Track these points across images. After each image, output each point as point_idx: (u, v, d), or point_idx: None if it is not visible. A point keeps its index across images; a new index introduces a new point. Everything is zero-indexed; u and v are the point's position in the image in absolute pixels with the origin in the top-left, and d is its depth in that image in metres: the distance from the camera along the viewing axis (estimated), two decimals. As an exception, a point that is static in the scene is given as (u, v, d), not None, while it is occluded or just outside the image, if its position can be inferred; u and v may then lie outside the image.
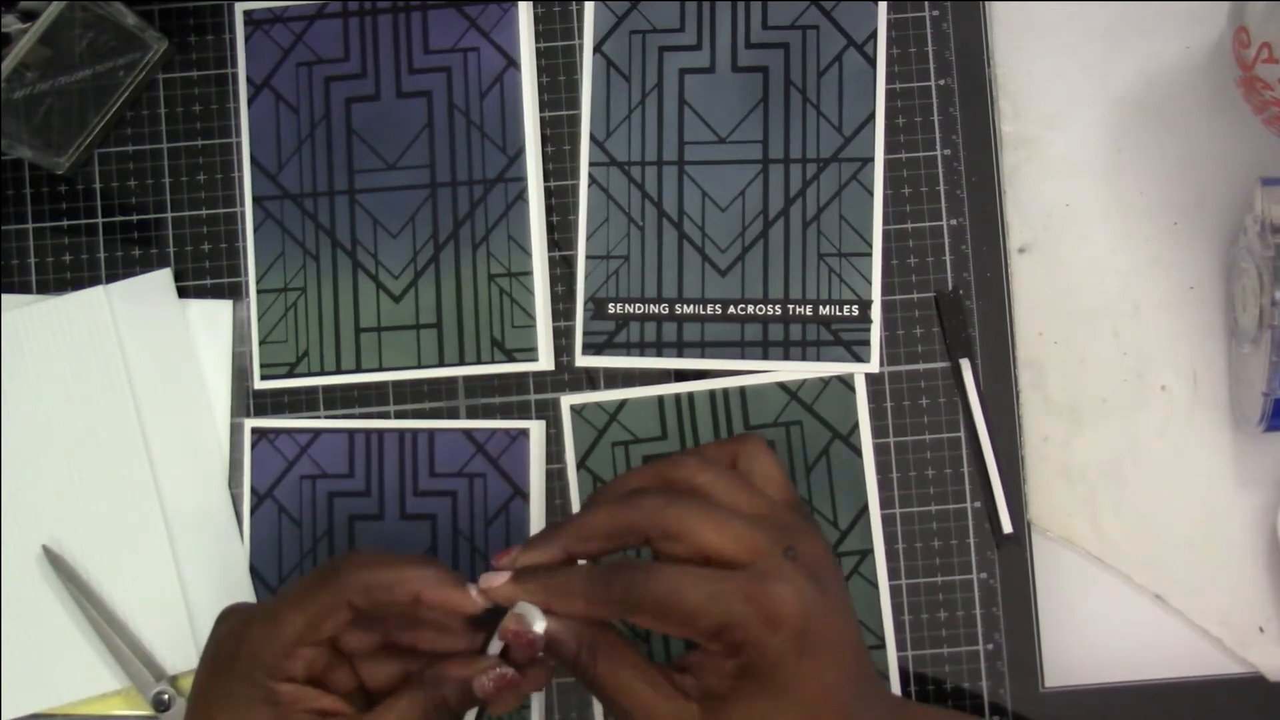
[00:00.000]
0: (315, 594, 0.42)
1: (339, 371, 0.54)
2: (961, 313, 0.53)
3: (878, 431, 0.52)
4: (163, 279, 0.54)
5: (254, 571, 0.53)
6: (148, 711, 0.52)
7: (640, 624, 0.40)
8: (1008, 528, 0.51)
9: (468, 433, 0.53)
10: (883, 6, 0.53)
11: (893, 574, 0.52)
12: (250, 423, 0.53)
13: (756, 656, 0.39)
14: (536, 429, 0.53)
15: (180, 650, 0.52)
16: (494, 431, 0.53)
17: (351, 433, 0.53)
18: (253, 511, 0.53)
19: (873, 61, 0.53)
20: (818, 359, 0.52)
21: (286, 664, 0.41)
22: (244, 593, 0.53)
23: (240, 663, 0.42)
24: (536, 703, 0.52)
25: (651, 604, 0.39)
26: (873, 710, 0.41)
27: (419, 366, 0.53)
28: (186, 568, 0.53)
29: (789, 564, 0.40)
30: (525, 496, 0.52)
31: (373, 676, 0.44)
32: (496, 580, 0.41)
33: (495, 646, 0.41)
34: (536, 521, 0.53)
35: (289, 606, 0.42)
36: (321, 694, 0.42)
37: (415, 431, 0.53)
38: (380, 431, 0.53)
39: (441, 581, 0.41)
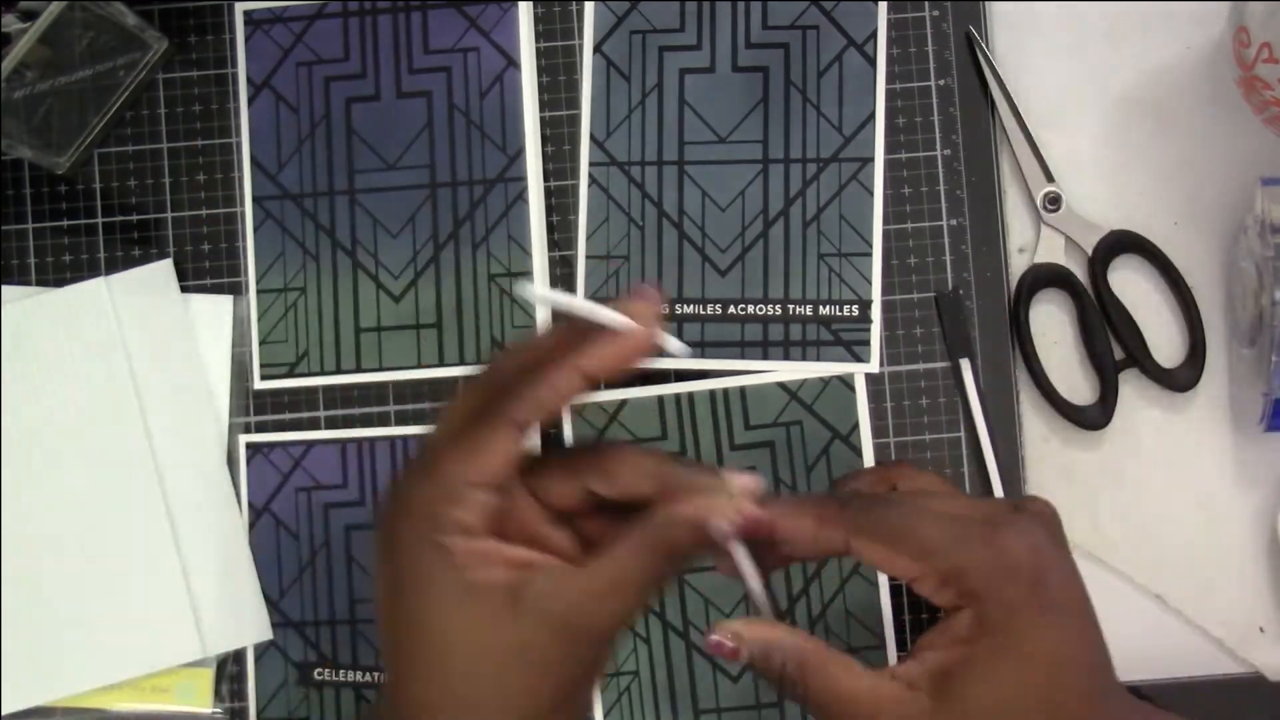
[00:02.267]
0: (471, 420, 0.36)
1: (339, 371, 0.54)
2: (961, 312, 0.53)
3: (878, 431, 0.52)
4: (164, 270, 0.54)
5: (254, 573, 0.53)
6: (150, 705, 0.52)
7: (866, 556, 0.37)
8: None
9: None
10: (883, 6, 0.53)
11: (893, 574, 0.52)
12: (245, 438, 0.53)
13: (992, 608, 0.35)
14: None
15: (183, 641, 0.52)
16: None
17: (344, 443, 0.53)
18: (251, 526, 0.53)
19: (873, 61, 0.53)
20: (818, 359, 0.52)
21: (456, 513, 0.35)
22: (247, 578, 0.53)
23: (404, 526, 0.35)
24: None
25: (886, 530, 0.37)
26: (1122, 698, 0.38)
27: (419, 366, 0.53)
28: (189, 555, 0.53)
29: (1023, 514, 0.37)
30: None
31: (595, 532, 0.38)
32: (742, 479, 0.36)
33: (734, 484, 0.36)
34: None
35: (443, 442, 0.36)
36: (508, 545, 0.36)
37: (406, 438, 0.53)
38: (372, 440, 0.53)
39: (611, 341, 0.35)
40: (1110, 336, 0.52)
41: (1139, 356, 0.52)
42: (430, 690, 0.35)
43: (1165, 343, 0.53)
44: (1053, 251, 0.53)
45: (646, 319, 0.36)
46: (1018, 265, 0.54)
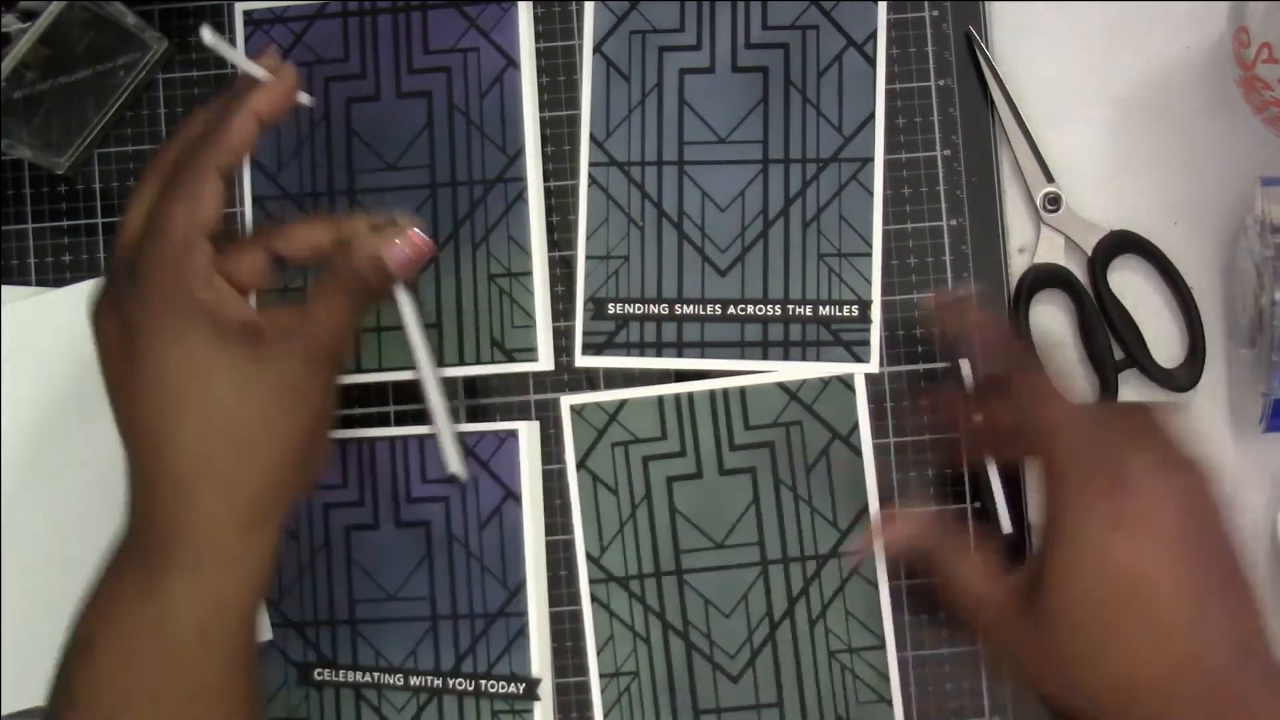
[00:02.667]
0: (180, 176, 0.39)
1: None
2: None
3: (878, 431, 0.52)
4: (163, 278, 0.54)
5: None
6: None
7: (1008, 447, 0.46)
8: (1007, 528, 0.51)
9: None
10: (883, 6, 0.53)
11: (893, 574, 0.52)
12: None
13: (1090, 510, 0.39)
14: (525, 430, 0.53)
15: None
16: (483, 434, 0.53)
17: (343, 443, 0.53)
18: None
19: (873, 61, 0.53)
20: (818, 359, 0.52)
21: (196, 261, 0.38)
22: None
23: (148, 285, 0.38)
24: (540, 708, 0.52)
25: (1035, 429, 0.42)
26: (1236, 648, 0.39)
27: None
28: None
29: (1158, 436, 0.41)
30: (517, 498, 0.52)
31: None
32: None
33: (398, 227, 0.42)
34: (530, 523, 0.53)
35: (162, 202, 0.39)
36: (244, 303, 0.40)
37: (405, 438, 0.53)
38: (371, 440, 0.53)
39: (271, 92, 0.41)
40: (1110, 337, 0.52)
41: (1139, 357, 0.52)
42: (201, 441, 0.38)
43: (1165, 343, 0.53)
44: (1052, 252, 0.53)
45: (285, 74, 0.41)
46: (1018, 265, 0.54)
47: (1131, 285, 0.53)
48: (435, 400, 0.41)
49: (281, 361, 0.39)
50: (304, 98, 0.43)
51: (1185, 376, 0.52)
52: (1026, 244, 0.54)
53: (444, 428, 0.40)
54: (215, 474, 0.38)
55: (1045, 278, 0.53)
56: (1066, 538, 0.39)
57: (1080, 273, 0.53)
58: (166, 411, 0.38)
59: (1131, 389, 0.53)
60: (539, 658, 0.52)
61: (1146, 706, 0.38)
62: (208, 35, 0.40)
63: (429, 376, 0.41)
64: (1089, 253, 0.52)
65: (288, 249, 0.42)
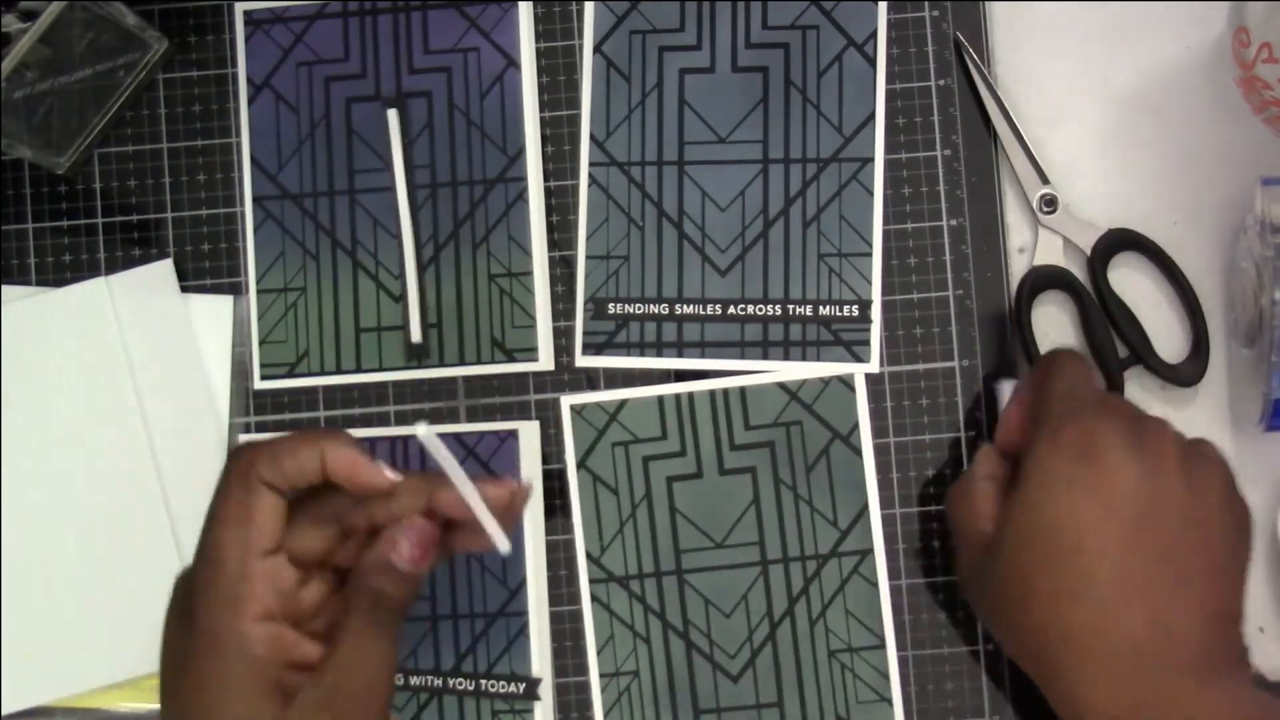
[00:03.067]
0: (229, 497, 0.38)
1: (339, 371, 0.54)
2: (958, 308, 0.53)
3: (878, 431, 0.52)
4: (164, 270, 0.54)
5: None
6: (150, 705, 0.52)
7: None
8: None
9: (458, 437, 0.53)
10: (883, 6, 0.53)
11: (893, 574, 0.52)
12: (245, 438, 0.53)
13: (1032, 458, 0.43)
14: (526, 430, 0.53)
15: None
16: (483, 434, 0.53)
17: None
18: None
19: (873, 61, 0.53)
20: (818, 359, 0.52)
21: (249, 591, 0.37)
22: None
23: (200, 618, 0.38)
24: (540, 707, 0.52)
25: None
26: (1192, 616, 0.41)
27: (419, 366, 0.53)
28: (188, 556, 0.52)
29: (1147, 425, 0.44)
30: None
31: (344, 559, 0.41)
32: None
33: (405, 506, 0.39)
34: (530, 522, 0.53)
35: (213, 528, 0.38)
36: (299, 638, 0.38)
37: (406, 438, 0.53)
38: (372, 440, 0.53)
39: (346, 445, 0.38)
40: (1113, 335, 0.52)
41: (1142, 353, 0.52)
42: None
43: (1167, 338, 0.53)
44: (1051, 253, 0.53)
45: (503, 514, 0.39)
46: (1018, 265, 0.54)
47: (1131, 282, 0.53)
48: (474, 503, 0.39)
49: None
50: (501, 543, 0.39)
51: (1190, 371, 0.52)
52: (1026, 244, 0.54)
53: (484, 516, 0.39)
54: None
55: (1045, 279, 0.53)
56: (1028, 483, 0.43)
57: (1080, 272, 0.53)
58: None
59: (1137, 386, 0.53)
60: (539, 657, 0.52)
61: (1054, 657, 0.41)
62: (422, 430, 0.37)
63: (464, 485, 0.39)
64: (1087, 252, 0.53)
65: (352, 519, 0.40)
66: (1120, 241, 0.52)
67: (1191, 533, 0.41)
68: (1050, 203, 0.53)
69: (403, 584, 0.38)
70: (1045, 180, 0.53)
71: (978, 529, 0.45)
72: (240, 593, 0.37)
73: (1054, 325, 0.53)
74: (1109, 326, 0.52)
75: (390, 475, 0.39)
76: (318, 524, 0.40)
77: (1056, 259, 0.53)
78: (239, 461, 0.39)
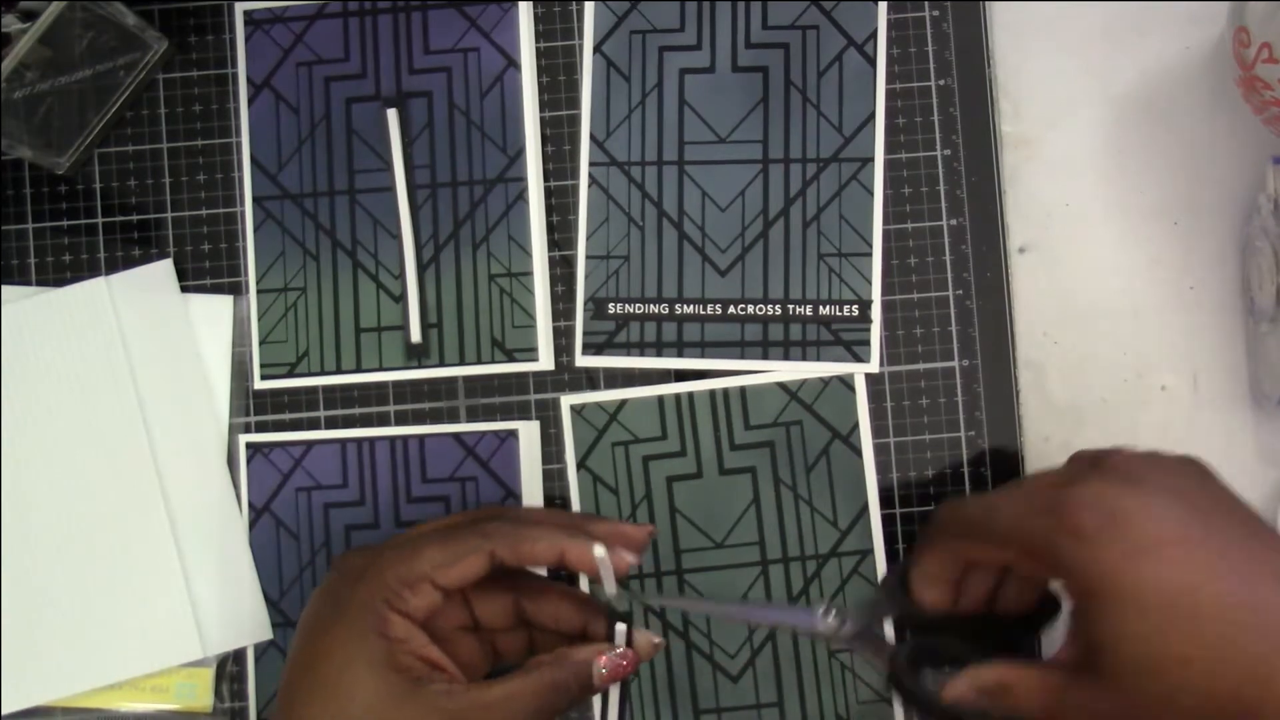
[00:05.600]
0: (459, 533, 0.42)
1: (339, 371, 0.54)
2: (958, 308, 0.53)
3: (878, 431, 0.52)
4: (164, 270, 0.54)
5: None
6: (150, 705, 0.52)
7: (974, 556, 0.41)
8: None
9: (458, 436, 0.53)
10: (883, 6, 0.53)
11: (893, 574, 0.52)
12: (245, 438, 0.53)
13: (1077, 575, 0.36)
14: (525, 430, 0.53)
15: (183, 641, 0.52)
16: (483, 434, 0.53)
17: (344, 442, 0.53)
18: (251, 526, 0.53)
19: (873, 61, 0.53)
20: (818, 359, 0.52)
21: (409, 595, 0.41)
22: (248, 578, 0.53)
23: (362, 586, 0.41)
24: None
25: (971, 525, 0.40)
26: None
27: (419, 366, 0.53)
28: (189, 555, 0.53)
29: (1095, 471, 0.38)
30: (517, 498, 0.52)
31: (507, 647, 0.45)
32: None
33: (620, 636, 0.43)
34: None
35: (429, 539, 0.41)
36: (431, 644, 0.41)
37: (406, 438, 0.53)
38: (372, 440, 0.53)
39: (582, 542, 0.42)
40: None
41: None
42: None
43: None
44: None
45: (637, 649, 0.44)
46: (1018, 265, 0.54)
47: None
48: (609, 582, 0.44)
49: (418, 716, 0.39)
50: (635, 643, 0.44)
51: None
52: (1026, 244, 0.54)
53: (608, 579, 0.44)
54: None
55: None
56: (1102, 595, 0.36)
57: None
58: (306, 689, 0.40)
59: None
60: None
61: (1250, 698, 0.35)
62: (599, 551, 0.42)
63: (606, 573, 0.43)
64: None
65: (534, 612, 0.45)
66: None
67: (1234, 505, 0.38)
68: None
69: (585, 691, 0.42)
70: None
71: (1054, 698, 0.38)
72: (398, 592, 0.41)
73: None
74: None
75: (610, 589, 0.43)
76: (501, 594, 0.45)
77: None
78: (487, 524, 0.42)
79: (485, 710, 0.40)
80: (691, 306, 0.53)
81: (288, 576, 0.53)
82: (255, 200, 0.54)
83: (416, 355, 0.53)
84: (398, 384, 0.54)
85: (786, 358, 0.52)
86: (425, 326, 0.53)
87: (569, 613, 0.45)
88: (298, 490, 0.53)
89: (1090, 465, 0.39)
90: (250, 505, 0.53)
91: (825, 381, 0.52)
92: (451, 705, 0.40)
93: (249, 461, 0.53)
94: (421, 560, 0.41)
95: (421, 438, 0.53)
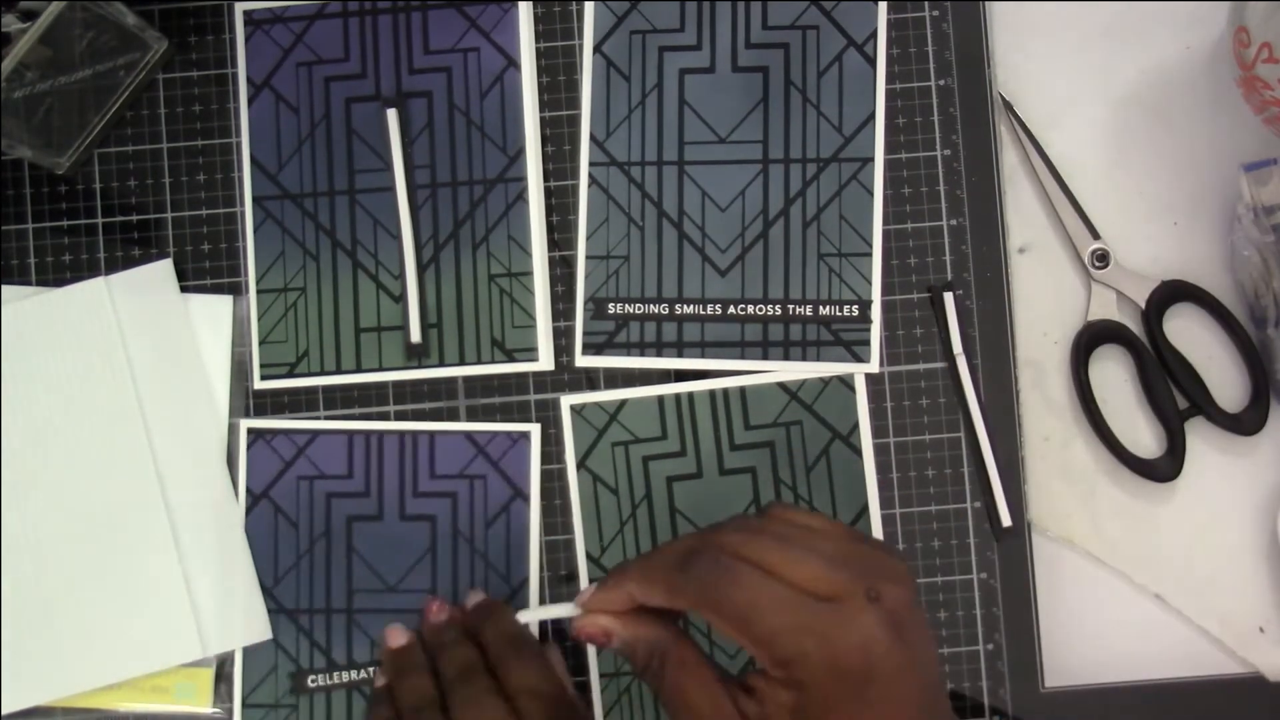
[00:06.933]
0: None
1: (339, 371, 0.54)
2: (959, 308, 0.53)
3: (878, 431, 0.52)
4: (164, 270, 0.54)
5: (254, 571, 0.53)
6: (150, 705, 0.52)
7: (710, 622, 0.39)
8: (1007, 522, 0.51)
9: (469, 435, 0.53)
10: (883, 6, 0.53)
11: (893, 574, 0.52)
12: (246, 423, 0.53)
13: (817, 699, 0.37)
14: (539, 432, 0.53)
15: (183, 641, 0.52)
16: (495, 434, 0.53)
17: (351, 434, 0.53)
18: (248, 512, 0.53)
19: (873, 61, 0.53)
20: (818, 359, 0.52)
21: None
22: (247, 582, 0.53)
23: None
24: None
25: (729, 610, 0.38)
26: None
27: (419, 366, 0.53)
28: (189, 555, 0.53)
29: (871, 609, 0.38)
30: (526, 498, 0.52)
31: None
32: (586, 594, 0.43)
33: (524, 616, 0.48)
34: (537, 522, 0.53)
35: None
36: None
37: (415, 433, 0.53)
38: (380, 433, 0.53)
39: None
40: (1171, 387, 0.52)
41: (1202, 404, 0.52)
42: None
43: (1226, 388, 0.53)
44: (1105, 308, 0.53)
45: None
46: (1018, 265, 0.54)
47: (1187, 333, 0.53)
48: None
49: None
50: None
51: (1251, 419, 0.52)
52: (1026, 243, 0.54)
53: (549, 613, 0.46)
54: None
55: (1100, 335, 0.53)
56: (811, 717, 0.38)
57: (1135, 325, 0.53)
58: None
59: (1198, 437, 0.53)
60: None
61: None
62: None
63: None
64: (1142, 305, 0.52)
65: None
66: (1174, 293, 0.52)
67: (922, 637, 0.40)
68: (1102, 258, 0.53)
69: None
70: (1096, 235, 0.53)
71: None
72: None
73: (1111, 379, 0.53)
74: (1167, 379, 0.52)
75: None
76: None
77: (1110, 314, 0.53)
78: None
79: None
80: (691, 306, 0.53)
81: (284, 564, 0.53)
82: (255, 200, 0.54)
83: (416, 355, 0.53)
84: (398, 384, 0.54)
85: (786, 358, 0.52)
86: (425, 326, 0.53)
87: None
88: (299, 478, 0.53)
89: (866, 596, 0.38)
90: (248, 491, 0.53)
91: (825, 381, 0.52)
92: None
93: (249, 447, 0.53)
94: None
95: (432, 434, 0.53)
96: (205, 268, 0.54)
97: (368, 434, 0.53)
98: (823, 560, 0.38)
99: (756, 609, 0.38)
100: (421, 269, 0.54)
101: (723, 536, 0.40)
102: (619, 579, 0.42)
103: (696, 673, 0.40)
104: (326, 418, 0.54)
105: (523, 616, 0.47)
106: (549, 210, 0.54)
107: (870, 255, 0.53)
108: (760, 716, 0.38)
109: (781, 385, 0.52)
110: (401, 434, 0.53)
